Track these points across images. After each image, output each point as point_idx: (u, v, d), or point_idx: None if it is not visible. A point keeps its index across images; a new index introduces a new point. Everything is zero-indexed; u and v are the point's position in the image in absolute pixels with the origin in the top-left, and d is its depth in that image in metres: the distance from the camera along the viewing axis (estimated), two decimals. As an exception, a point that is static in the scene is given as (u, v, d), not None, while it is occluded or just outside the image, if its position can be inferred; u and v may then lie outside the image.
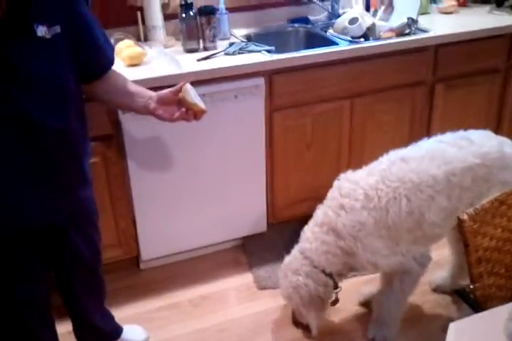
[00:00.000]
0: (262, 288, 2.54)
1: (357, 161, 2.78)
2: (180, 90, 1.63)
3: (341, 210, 1.99)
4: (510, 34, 2.86)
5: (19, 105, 1.36)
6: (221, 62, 2.41)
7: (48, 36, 1.37)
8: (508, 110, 3.07)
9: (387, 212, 1.94)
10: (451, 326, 1.28)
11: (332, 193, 2.08)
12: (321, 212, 2.09)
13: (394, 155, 2.08)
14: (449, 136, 2.13)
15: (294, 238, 2.18)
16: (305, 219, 2.17)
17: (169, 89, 1.65)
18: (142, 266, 2.68)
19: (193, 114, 1.66)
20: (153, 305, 2.47)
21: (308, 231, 2.12)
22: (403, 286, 2.10)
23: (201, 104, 1.64)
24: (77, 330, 2.06)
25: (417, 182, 1.95)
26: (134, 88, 1.71)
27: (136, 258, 2.65)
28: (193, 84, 2.16)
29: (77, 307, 1.97)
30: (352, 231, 1.96)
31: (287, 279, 2.13)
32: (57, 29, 1.39)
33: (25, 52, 1.34)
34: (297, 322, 2.32)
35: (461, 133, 2.14)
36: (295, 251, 2.16)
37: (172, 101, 1.64)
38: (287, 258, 2.18)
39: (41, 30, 1.35)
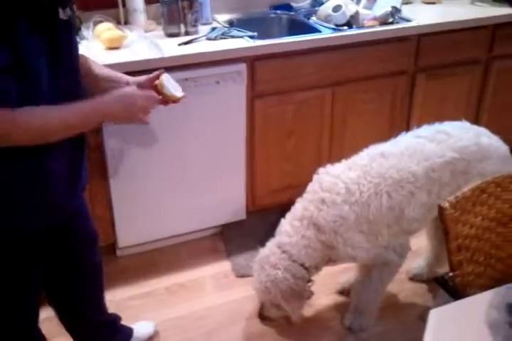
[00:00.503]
0: (240, 275, 2.53)
1: (337, 150, 2.77)
2: (156, 78, 1.65)
3: (322, 205, 1.96)
4: (492, 25, 2.87)
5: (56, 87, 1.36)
6: (203, 47, 2.38)
7: (66, 18, 1.39)
8: (488, 101, 3.08)
9: (369, 206, 1.94)
10: (432, 313, 1.27)
11: (312, 187, 2.05)
12: (300, 206, 2.05)
13: (374, 150, 2.07)
14: (426, 130, 2.13)
15: (273, 226, 2.15)
16: (285, 207, 2.15)
17: (146, 77, 1.67)
18: (119, 253, 2.64)
19: (172, 100, 1.68)
20: (129, 292, 2.44)
21: (286, 224, 2.07)
22: (382, 277, 2.11)
23: (178, 93, 1.67)
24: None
25: (398, 178, 1.95)
26: (107, 72, 1.71)
27: (113, 245, 2.61)
28: (174, 68, 2.15)
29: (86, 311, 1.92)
30: (333, 225, 1.94)
31: (264, 273, 2.07)
32: (69, 11, 1.41)
33: (55, 34, 1.35)
34: (263, 316, 2.29)
35: (437, 126, 2.14)
36: (271, 244, 2.11)
37: (148, 87, 1.65)
38: (263, 252, 2.13)
39: (61, 13, 1.37)
